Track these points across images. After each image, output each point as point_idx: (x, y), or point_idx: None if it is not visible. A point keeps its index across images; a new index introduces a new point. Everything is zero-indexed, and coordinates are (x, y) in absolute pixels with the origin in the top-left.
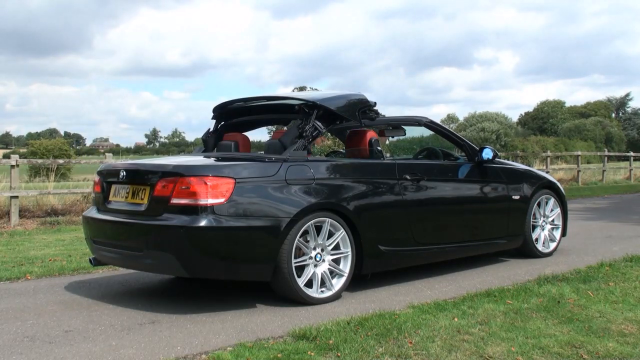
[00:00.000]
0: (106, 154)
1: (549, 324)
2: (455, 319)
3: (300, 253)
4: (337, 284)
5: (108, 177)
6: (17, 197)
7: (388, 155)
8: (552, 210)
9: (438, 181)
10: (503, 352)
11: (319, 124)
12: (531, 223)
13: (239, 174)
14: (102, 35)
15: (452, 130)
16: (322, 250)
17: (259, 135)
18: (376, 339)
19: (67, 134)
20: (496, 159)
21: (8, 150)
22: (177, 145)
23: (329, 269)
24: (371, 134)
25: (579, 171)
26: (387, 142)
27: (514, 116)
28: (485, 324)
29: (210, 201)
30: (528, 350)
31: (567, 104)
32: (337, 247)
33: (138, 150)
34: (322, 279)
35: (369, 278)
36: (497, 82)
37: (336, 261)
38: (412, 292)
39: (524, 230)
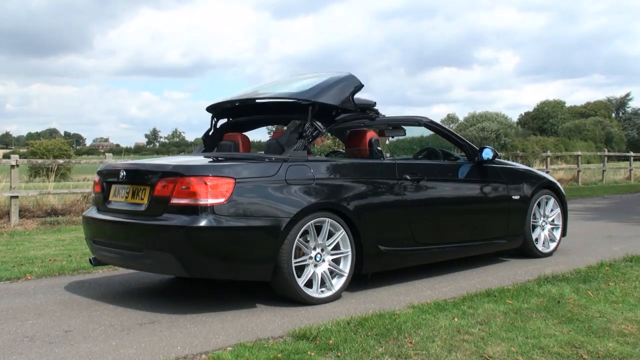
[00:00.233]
0: (106, 154)
1: (549, 324)
2: (455, 319)
3: (300, 253)
4: (337, 284)
5: (108, 177)
6: (17, 197)
7: (388, 155)
8: (552, 210)
9: (438, 181)
10: (503, 352)
11: (319, 124)
12: (531, 223)
13: (239, 174)
14: (102, 35)
15: (452, 130)
16: (322, 250)
17: (259, 135)
18: (376, 339)
19: (67, 134)
20: (496, 159)
21: (8, 150)
22: (177, 145)
23: (329, 269)
24: (371, 134)
25: (579, 171)
26: (387, 142)
27: (514, 116)
28: (485, 324)
29: (210, 201)
30: (528, 350)
31: (567, 104)
32: (337, 247)
33: (138, 150)
34: (322, 279)
35: (369, 278)
36: (497, 82)
37: (336, 261)
38: (412, 292)
39: (524, 230)
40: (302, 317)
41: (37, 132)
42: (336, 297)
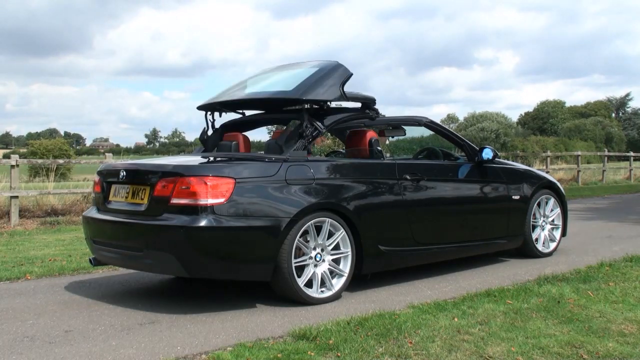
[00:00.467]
0: (106, 154)
1: (549, 324)
2: (455, 319)
3: (300, 253)
4: (337, 284)
5: (108, 177)
6: (17, 197)
7: (388, 155)
8: (552, 210)
9: (438, 181)
10: (503, 352)
11: (319, 123)
12: (531, 223)
13: (239, 174)
14: (102, 35)
15: (452, 130)
16: (322, 250)
17: (259, 135)
18: (376, 339)
19: (67, 134)
20: (496, 159)
21: (8, 150)
22: (177, 145)
23: (329, 269)
24: (371, 134)
25: (579, 171)
26: (387, 142)
27: (514, 116)
28: (485, 324)
29: (210, 201)
30: (528, 350)
31: (567, 104)
32: (337, 247)
33: (138, 150)
34: (322, 279)
35: (369, 278)
36: (497, 82)
37: (336, 261)
38: (412, 292)
39: (524, 230)
40: (302, 317)
41: (37, 132)
42: (336, 297)
